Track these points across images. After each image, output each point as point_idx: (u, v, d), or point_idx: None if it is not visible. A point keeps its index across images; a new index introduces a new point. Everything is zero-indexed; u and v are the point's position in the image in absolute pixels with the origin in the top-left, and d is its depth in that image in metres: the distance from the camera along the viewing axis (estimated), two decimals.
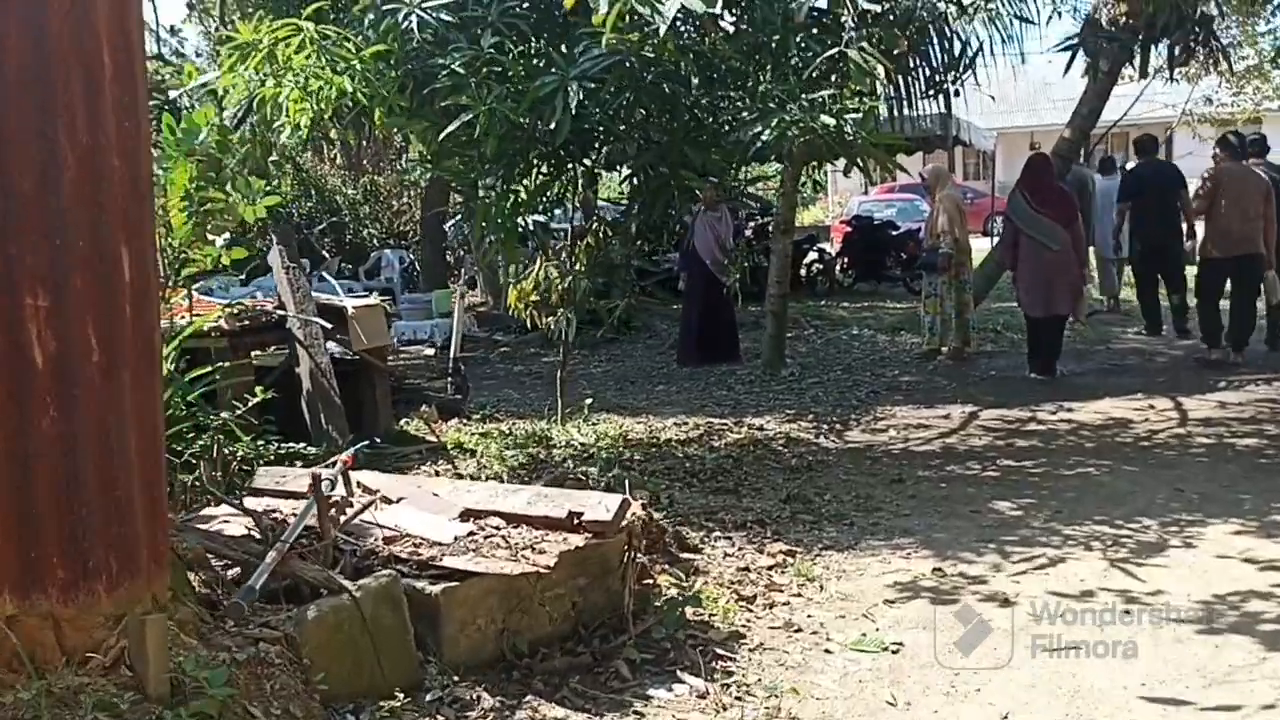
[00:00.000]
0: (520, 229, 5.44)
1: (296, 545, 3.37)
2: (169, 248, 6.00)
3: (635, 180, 6.22)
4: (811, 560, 4.61)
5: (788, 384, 9.26)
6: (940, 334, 10.08)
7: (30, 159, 2.56)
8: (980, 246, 12.24)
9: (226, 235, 6.84)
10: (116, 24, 2.67)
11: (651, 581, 4.12)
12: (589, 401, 8.03)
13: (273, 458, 5.44)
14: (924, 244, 10.48)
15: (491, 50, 4.85)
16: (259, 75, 4.92)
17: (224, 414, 5.53)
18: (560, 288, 6.75)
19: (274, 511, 3.77)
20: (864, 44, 4.43)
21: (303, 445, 5.71)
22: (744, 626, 3.92)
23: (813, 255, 16.67)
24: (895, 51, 5.43)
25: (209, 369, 5.76)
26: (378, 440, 6.74)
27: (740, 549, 4.68)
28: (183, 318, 6.14)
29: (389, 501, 3.89)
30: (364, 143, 15.08)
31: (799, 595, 4.26)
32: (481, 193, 5.41)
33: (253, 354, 6.27)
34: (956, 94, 7.83)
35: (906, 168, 10.97)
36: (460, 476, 5.71)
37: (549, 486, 4.73)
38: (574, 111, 4.83)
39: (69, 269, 2.59)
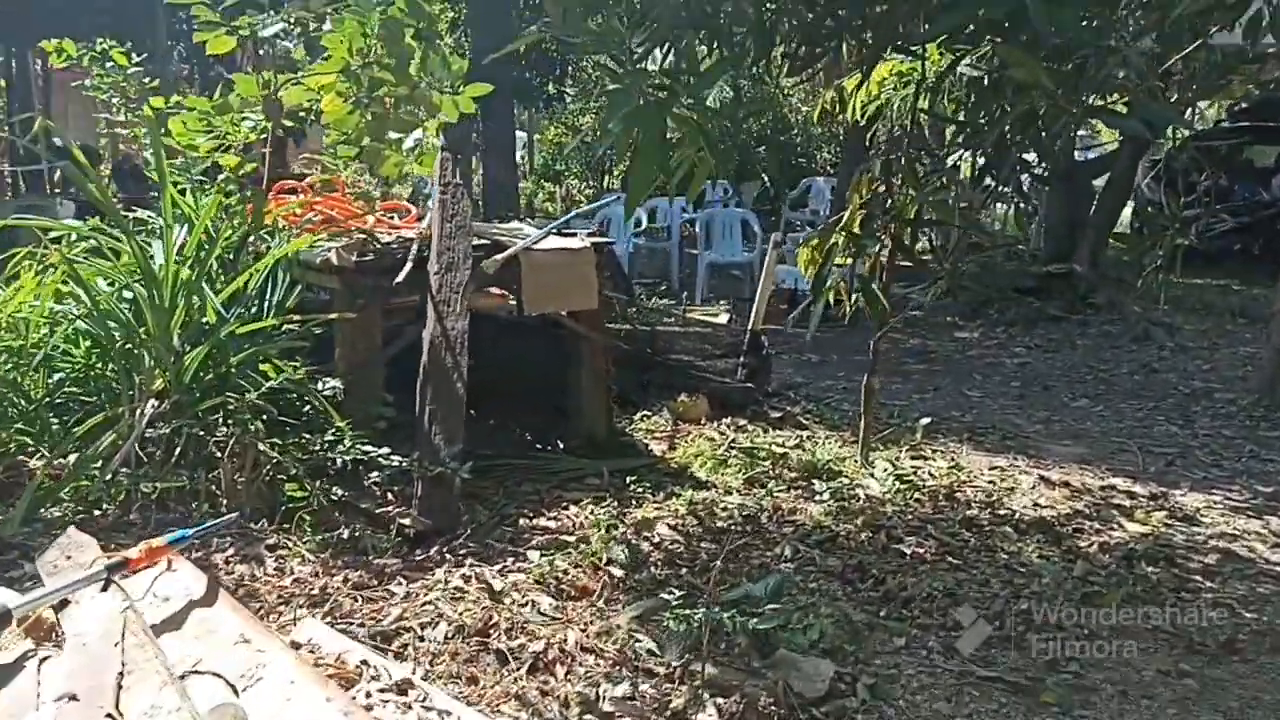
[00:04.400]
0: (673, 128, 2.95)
1: None
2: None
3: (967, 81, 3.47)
4: None
5: None
6: None
7: None
8: None
9: (418, 135, 5.11)
10: None
11: None
12: (925, 421, 5.39)
13: (297, 470, 3.61)
14: None
15: None
16: None
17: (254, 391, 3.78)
18: (864, 254, 4.15)
19: None
20: None
21: (387, 452, 3.83)
22: None
23: None
24: None
25: (298, 320, 4.07)
26: (558, 446, 4.73)
27: None
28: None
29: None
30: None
31: None
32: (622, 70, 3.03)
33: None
34: None
35: None
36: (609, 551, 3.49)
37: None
38: None
39: None
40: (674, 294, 10.50)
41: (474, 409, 5.16)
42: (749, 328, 5.95)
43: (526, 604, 2.97)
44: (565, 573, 3.22)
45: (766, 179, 15.48)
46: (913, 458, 5.05)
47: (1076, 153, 11.63)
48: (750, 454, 4.88)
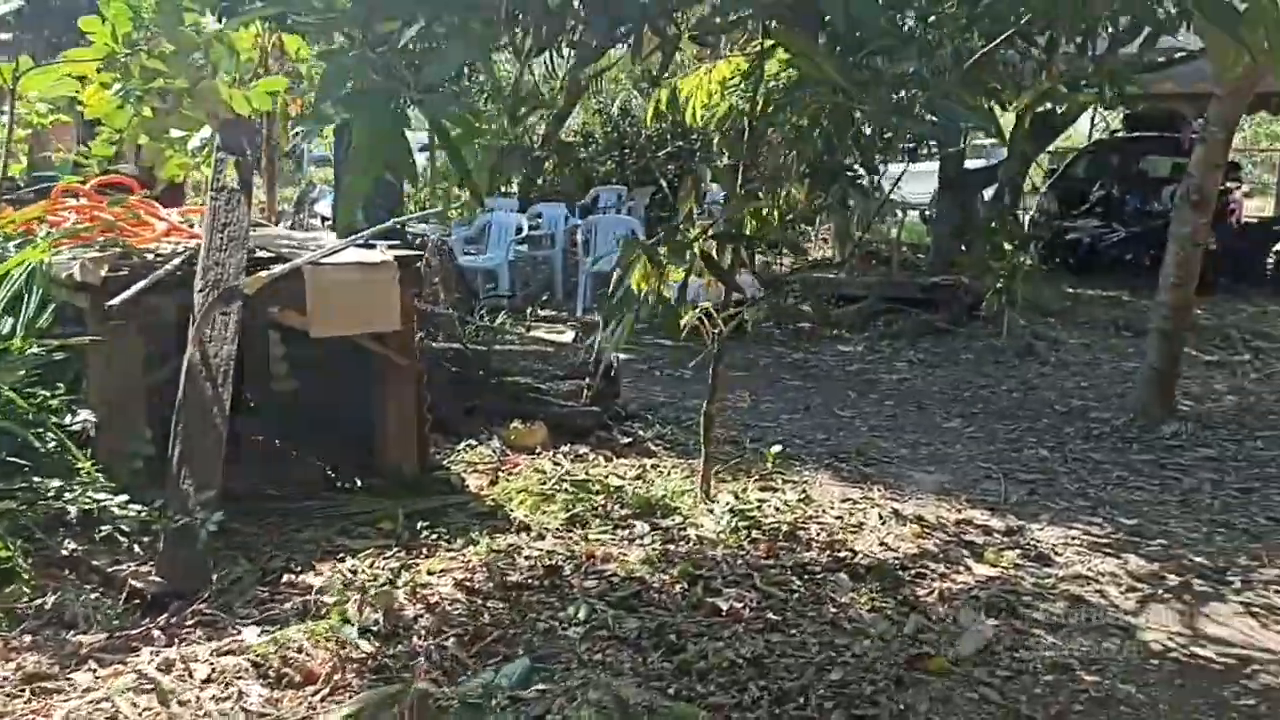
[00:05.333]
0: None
1: None
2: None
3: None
4: None
5: (1159, 454, 5.53)
6: None
7: None
8: None
9: (203, 135, 4.59)
10: None
11: None
12: (776, 449, 5.00)
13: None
14: None
15: None
16: None
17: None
18: (662, 270, 3.70)
19: None
20: None
21: (123, 500, 3.31)
22: None
23: None
24: None
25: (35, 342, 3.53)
26: (357, 483, 4.23)
27: None
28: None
29: None
30: None
31: None
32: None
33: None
34: None
35: None
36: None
37: None
38: None
39: None
40: (558, 305, 10.06)
41: (277, 438, 4.67)
42: (596, 345, 5.50)
43: (229, 696, 2.48)
44: (299, 650, 2.73)
45: (664, 184, 15.14)
46: (761, 489, 4.65)
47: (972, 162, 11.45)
48: (582, 488, 4.45)
